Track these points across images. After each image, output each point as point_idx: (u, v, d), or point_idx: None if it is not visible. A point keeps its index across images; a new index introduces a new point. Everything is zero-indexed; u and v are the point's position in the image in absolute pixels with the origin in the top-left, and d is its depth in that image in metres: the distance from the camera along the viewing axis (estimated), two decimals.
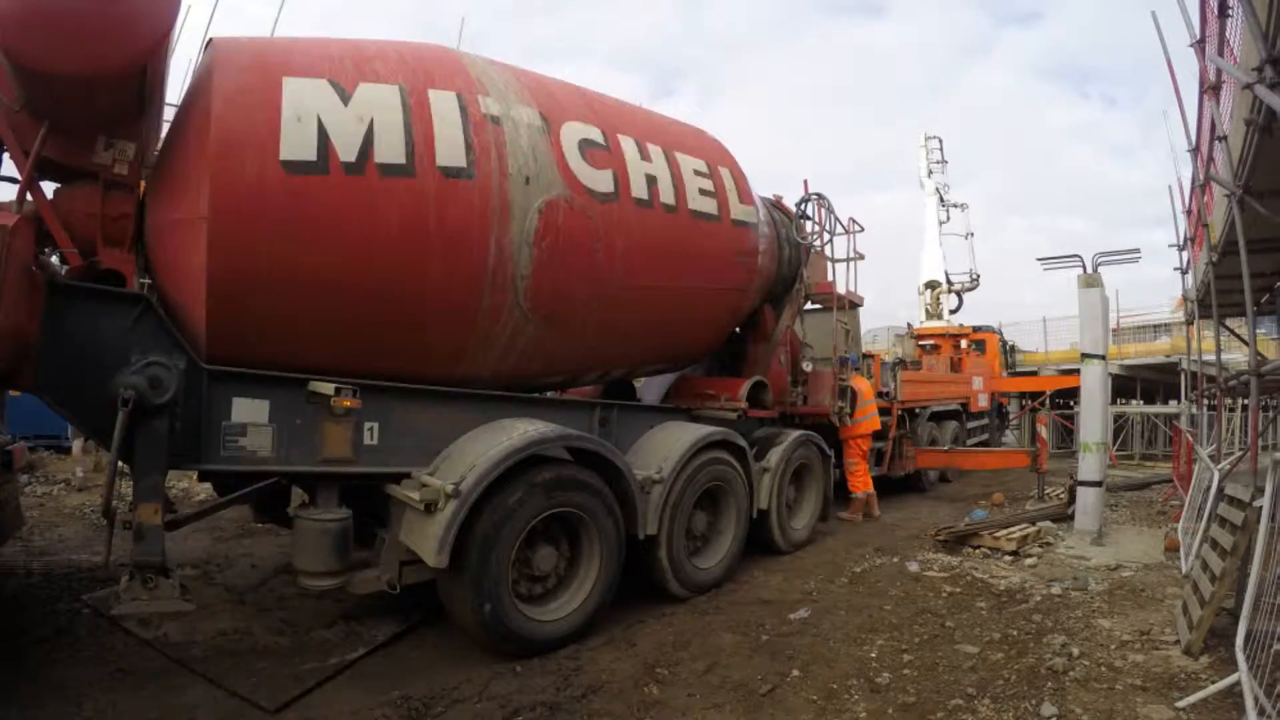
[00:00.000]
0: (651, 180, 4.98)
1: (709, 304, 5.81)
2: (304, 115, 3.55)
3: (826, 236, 7.16)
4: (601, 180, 4.65)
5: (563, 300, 4.57)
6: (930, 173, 19.23)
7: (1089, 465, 7.17)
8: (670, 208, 5.10)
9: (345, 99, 3.70)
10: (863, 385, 8.21)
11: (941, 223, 18.83)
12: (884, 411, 8.86)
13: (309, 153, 3.54)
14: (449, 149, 3.95)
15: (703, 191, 5.41)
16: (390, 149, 3.75)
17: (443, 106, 4.00)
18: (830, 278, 7.56)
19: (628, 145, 4.91)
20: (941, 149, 19.47)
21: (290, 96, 3.56)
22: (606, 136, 4.79)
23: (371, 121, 3.72)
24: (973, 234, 19.39)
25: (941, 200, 19.08)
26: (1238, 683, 3.13)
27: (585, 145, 4.61)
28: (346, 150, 3.63)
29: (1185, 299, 10.30)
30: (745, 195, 5.90)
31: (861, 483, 8.19)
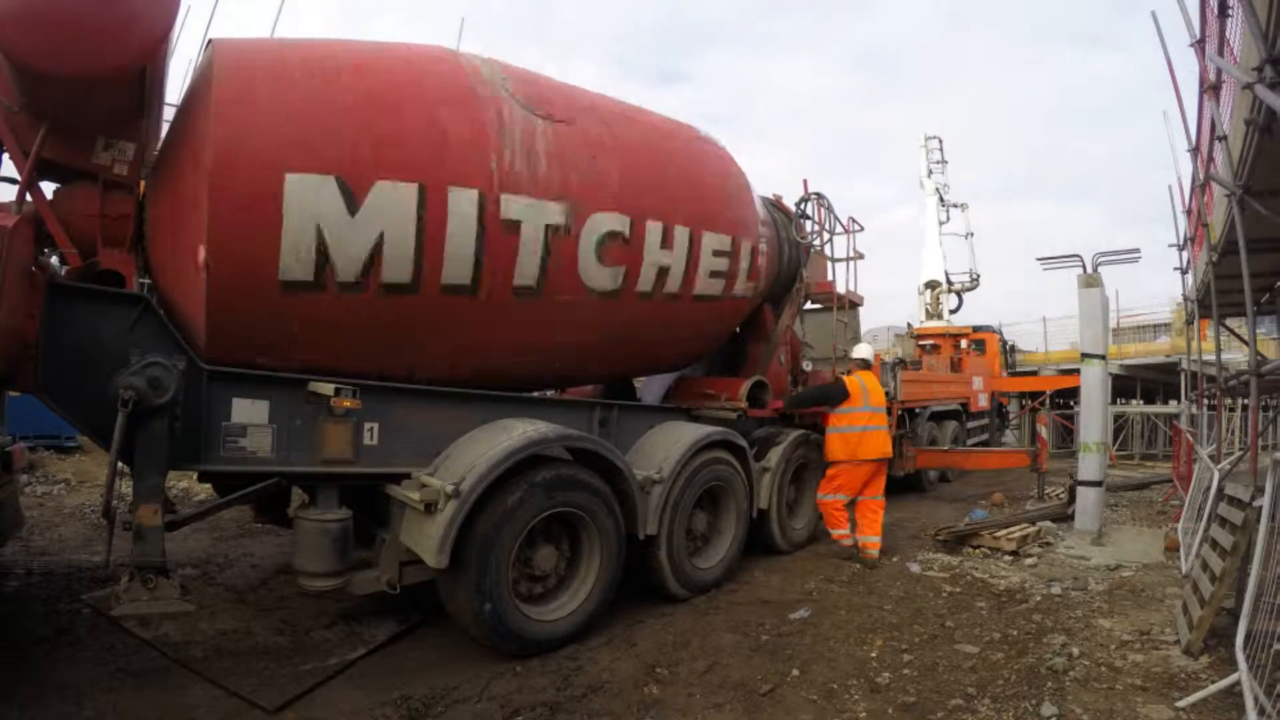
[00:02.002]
0: (662, 272, 4.98)
1: (694, 342, 5.97)
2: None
3: (826, 236, 7.16)
4: (609, 279, 4.66)
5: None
6: (930, 173, 19.20)
7: (1089, 465, 7.16)
8: (672, 295, 5.13)
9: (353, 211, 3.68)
10: (853, 387, 6.37)
11: (941, 223, 18.80)
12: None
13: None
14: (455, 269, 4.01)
15: (713, 274, 5.40)
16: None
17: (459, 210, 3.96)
18: (830, 277, 7.56)
19: (653, 233, 4.84)
20: (941, 149, 19.45)
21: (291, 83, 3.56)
22: (634, 226, 4.72)
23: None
24: (972, 234, 19.40)
25: (941, 200, 19.04)
26: (1238, 683, 3.13)
27: (606, 240, 4.57)
28: (346, 273, 3.69)
29: (1186, 300, 10.30)
30: (754, 271, 5.88)
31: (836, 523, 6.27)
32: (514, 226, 4.12)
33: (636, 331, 5.16)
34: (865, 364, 6.73)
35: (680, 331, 5.60)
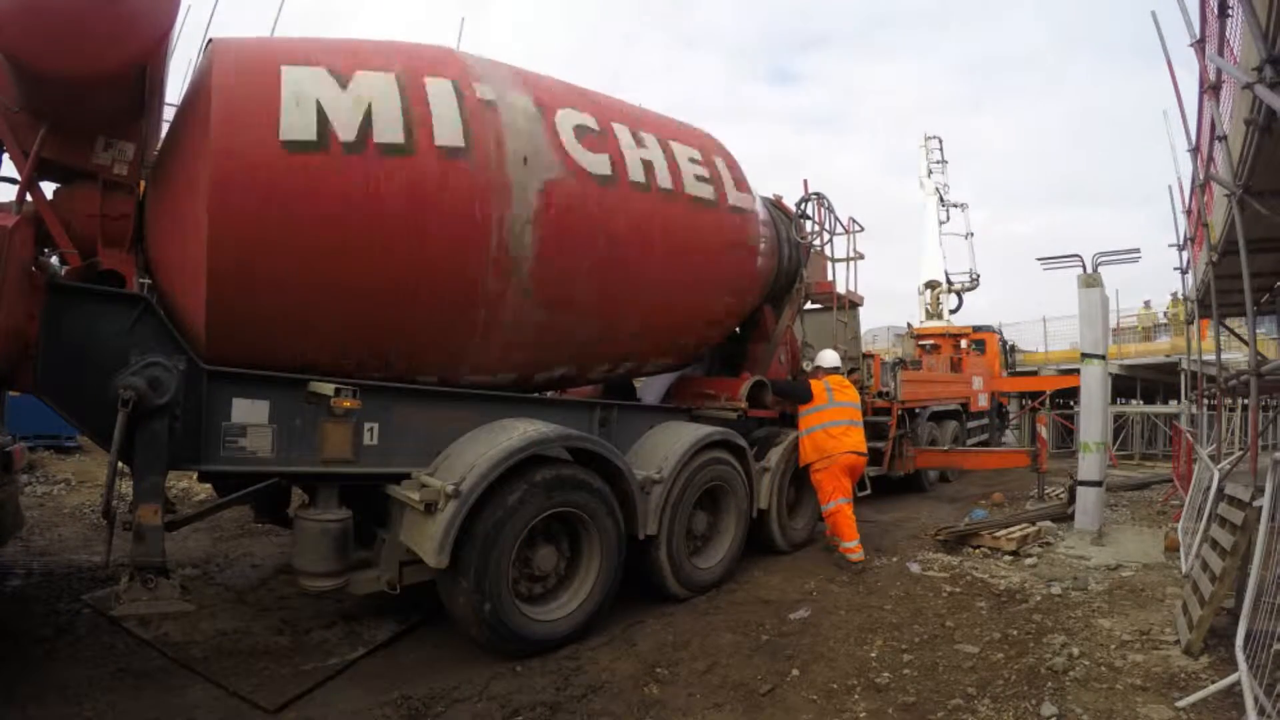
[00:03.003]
0: (648, 165, 4.96)
1: (710, 293, 5.77)
2: (303, 100, 3.55)
3: (826, 236, 7.16)
4: (599, 164, 4.62)
5: (566, 283, 4.55)
6: (930, 172, 19.23)
7: (1089, 465, 7.16)
8: (668, 191, 5.08)
9: (343, 84, 3.70)
10: (816, 388, 6.34)
11: (941, 222, 18.83)
12: (884, 411, 8.81)
13: (309, 133, 3.52)
14: (447, 129, 3.94)
15: (699, 178, 5.37)
16: (388, 129, 3.74)
17: (438, 91, 4.00)
18: (830, 277, 7.56)
19: (622, 132, 4.90)
20: (941, 149, 19.50)
21: (289, 83, 3.56)
22: (600, 123, 4.79)
23: (369, 105, 3.71)
24: (972, 234, 19.43)
25: (941, 200, 19.07)
26: (1238, 682, 3.13)
27: (580, 131, 4.61)
28: (346, 130, 3.62)
29: (1185, 299, 10.29)
30: (741, 183, 5.87)
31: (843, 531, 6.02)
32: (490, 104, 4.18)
33: (649, 241, 5.00)
34: (830, 371, 6.68)
35: (695, 263, 5.40)
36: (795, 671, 3.83)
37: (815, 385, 6.44)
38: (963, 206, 19.62)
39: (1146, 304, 22.14)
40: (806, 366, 7.46)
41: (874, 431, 8.22)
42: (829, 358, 6.81)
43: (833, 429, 6.22)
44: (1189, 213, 8.97)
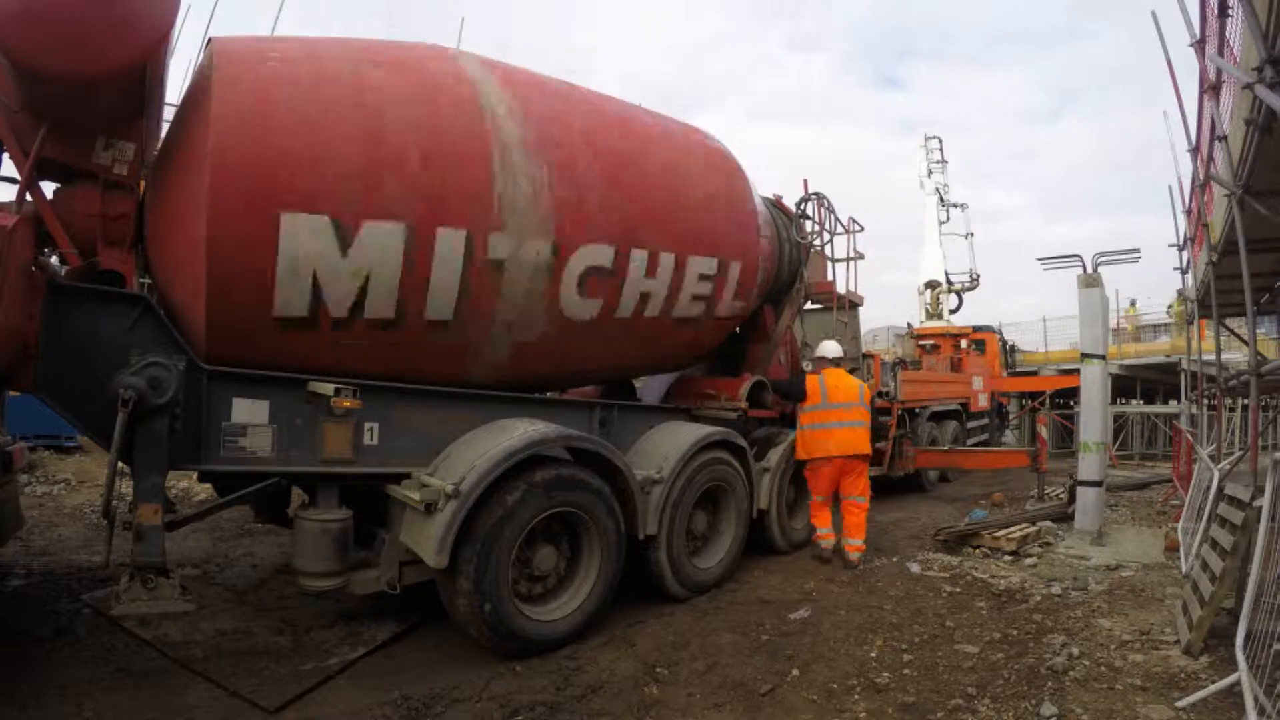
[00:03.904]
0: (645, 297, 5.00)
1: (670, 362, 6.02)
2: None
3: (826, 236, 7.16)
4: (589, 309, 4.68)
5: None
6: (930, 173, 19.19)
7: (1089, 465, 7.16)
8: (653, 319, 5.15)
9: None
10: (811, 384, 6.22)
11: (941, 222, 18.78)
12: (884, 411, 8.81)
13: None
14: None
15: (696, 298, 5.38)
16: None
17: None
18: (830, 277, 7.56)
19: (636, 261, 4.84)
20: (941, 149, 19.46)
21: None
22: (618, 255, 4.71)
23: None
24: (972, 234, 19.38)
25: (941, 200, 19.03)
26: (1237, 683, 3.12)
27: (588, 274, 4.59)
28: None
29: (1185, 297, 10.28)
30: (742, 290, 5.85)
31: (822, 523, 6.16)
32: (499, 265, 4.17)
33: (612, 352, 5.20)
34: (832, 362, 6.54)
35: (655, 351, 5.63)
36: (795, 671, 3.83)
37: (811, 383, 6.26)
38: (962, 206, 19.61)
39: (1133, 303, 22.18)
40: (807, 366, 7.46)
41: (874, 432, 8.16)
42: (829, 349, 6.64)
43: (820, 430, 6.09)
44: (1189, 213, 8.98)
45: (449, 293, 4.00)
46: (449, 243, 3.91)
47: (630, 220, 4.80)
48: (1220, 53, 4.72)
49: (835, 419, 6.11)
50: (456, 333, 4.17)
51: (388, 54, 4.11)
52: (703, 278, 5.34)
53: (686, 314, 5.37)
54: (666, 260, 5.03)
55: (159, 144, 3.83)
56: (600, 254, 4.60)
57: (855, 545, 5.97)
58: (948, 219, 19.07)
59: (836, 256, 7.55)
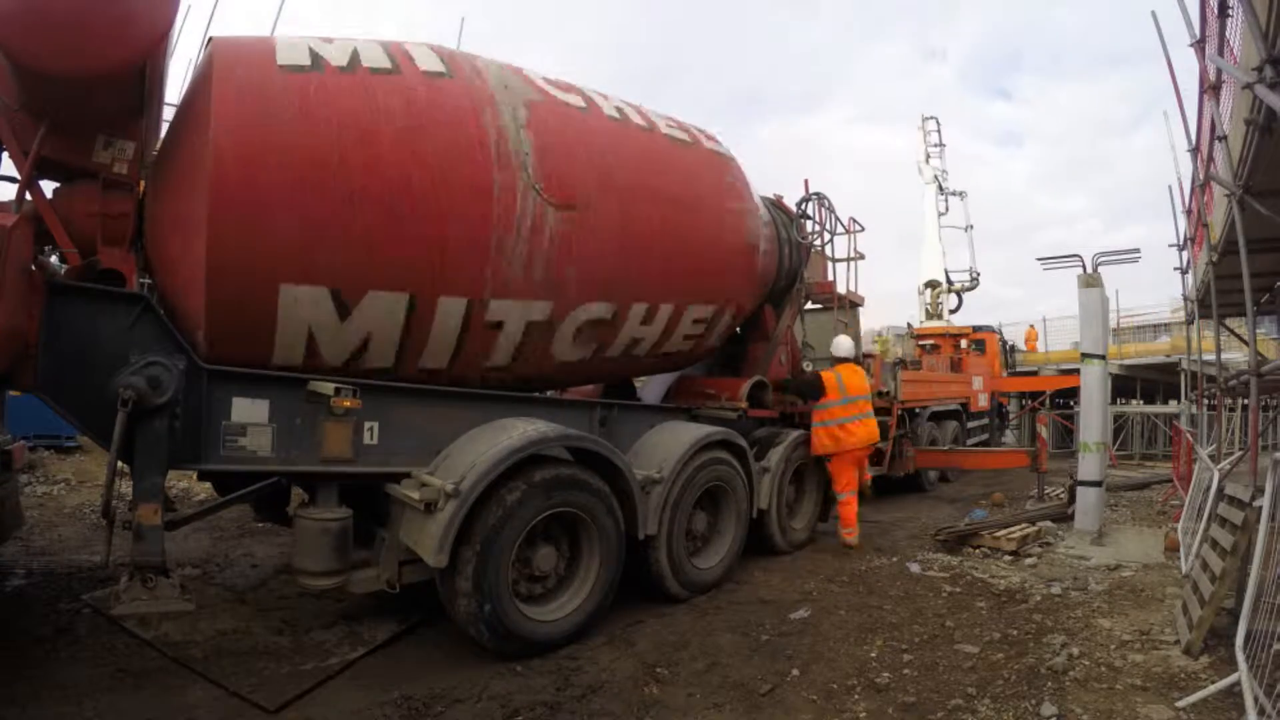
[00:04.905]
0: (635, 342, 5.16)
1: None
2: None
3: (827, 236, 7.16)
4: (580, 353, 4.89)
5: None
6: (928, 157, 18.14)
7: (1089, 465, 7.16)
8: (638, 357, 5.34)
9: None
10: (828, 380, 6.55)
11: (941, 214, 17.85)
12: (884, 411, 8.80)
13: None
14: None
15: (687, 338, 5.57)
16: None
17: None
18: (830, 277, 7.56)
19: (634, 314, 4.96)
20: (939, 131, 18.25)
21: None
22: (618, 312, 4.85)
23: None
24: (972, 226, 18.39)
25: (940, 188, 18.01)
26: (1237, 683, 3.13)
27: (584, 329, 4.72)
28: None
29: (1186, 300, 10.27)
30: (730, 327, 6.04)
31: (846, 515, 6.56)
32: (498, 325, 4.29)
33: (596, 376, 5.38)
34: (845, 359, 6.87)
35: (639, 368, 5.90)
36: (795, 671, 3.83)
37: (827, 378, 6.59)
38: (961, 195, 18.43)
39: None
40: (807, 366, 7.46)
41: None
42: (843, 345, 6.94)
43: (847, 424, 6.49)
44: (1189, 213, 8.98)
45: None
46: None
47: (631, 264, 4.89)
48: (1220, 53, 4.72)
49: (856, 412, 6.57)
50: None
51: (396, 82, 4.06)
52: (696, 322, 5.51)
53: (675, 350, 5.56)
54: (664, 310, 5.20)
55: (159, 143, 3.83)
56: (596, 310, 4.75)
57: (868, 474, 6.99)
58: (947, 210, 18.08)
59: (837, 256, 7.54)
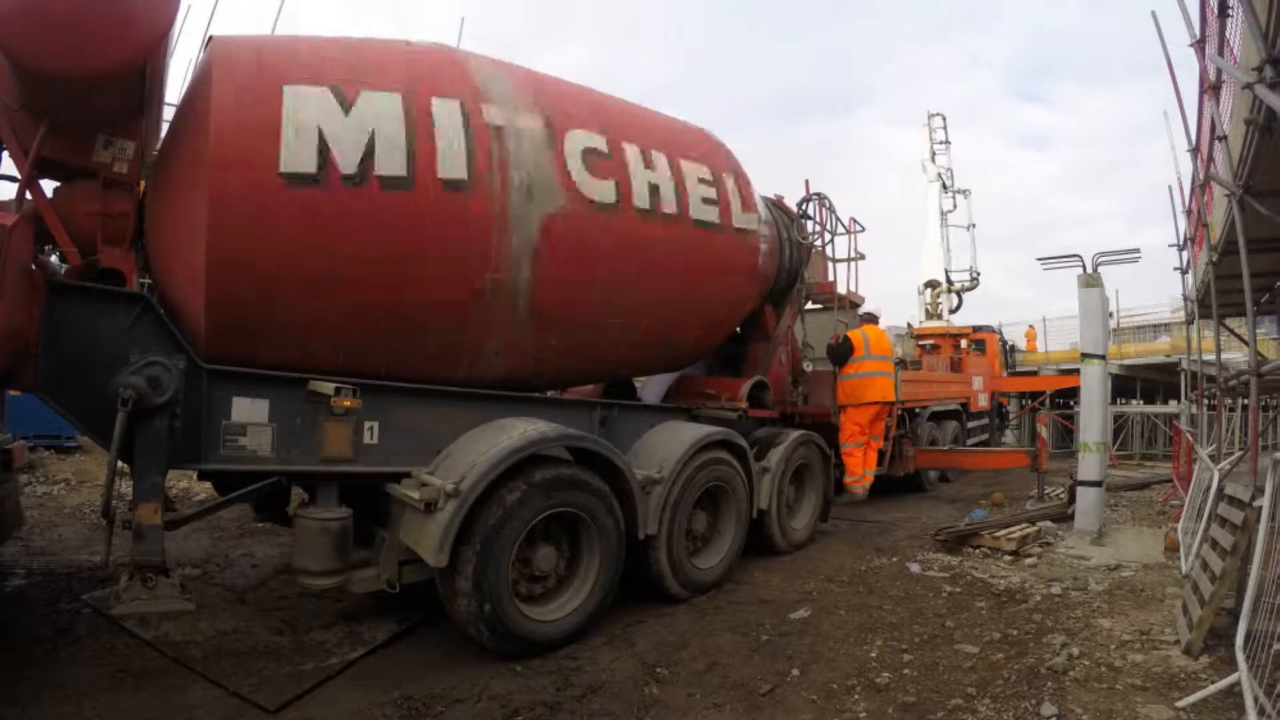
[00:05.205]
0: (654, 189, 4.98)
1: (709, 309, 5.85)
2: (303, 127, 3.55)
3: (828, 236, 7.16)
4: (603, 190, 4.65)
5: (562, 308, 4.61)
6: (934, 155, 17.84)
7: (1089, 465, 7.16)
8: (673, 216, 5.10)
9: (347, 108, 3.69)
10: (855, 338, 7.13)
11: (945, 212, 17.59)
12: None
13: (309, 164, 3.53)
14: (451, 161, 3.96)
15: (705, 200, 5.42)
16: (392, 161, 3.75)
17: (445, 115, 3.99)
18: (831, 277, 7.56)
19: (631, 153, 4.90)
20: (945, 128, 17.89)
21: (290, 104, 3.55)
22: (610, 144, 4.79)
23: (373, 132, 3.71)
24: (974, 225, 18.12)
25: (945, 187, 17.74)
26: (1238, 683, 3.13)
27: (588, 155, 4.63)
28: (347, 162, 3.63)
29: (1186, 300, 10.26)
30: (748, 203, 5.89)
31: (857, 466, 7.13)
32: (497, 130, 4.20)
33: (649, 264, 5.04)
34: (870, 318, 7.58)
35: (694, 283, 5.49)
36: (795, 671, 3.83)
37: (855, 337, 7.17)
38: (965, 193, 18.09)
39: None
40: (807, 367, 7.47)
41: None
42: (868, 307, 7.76)
43: (866, 379, 7.05)
44: (1189, 213, 8.98)
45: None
46: None
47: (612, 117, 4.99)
48: (1220, 53, 4.72)
49: (875, 369, 7.11)
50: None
51: (390, 55, 4.10)
52: (702, 181, 5.43)
53: (704, 218, 5.38)
54: (660, 157, 5.14)
55: (159, 142, 3.83)
56: (592, 139, 4.73)
57: (869, 477, 7.27)
58: (954, 207, 17.75)
59: (837, 257, 7.55)
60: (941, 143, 18.11)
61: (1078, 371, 7.73)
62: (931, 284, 17.34)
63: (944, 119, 18.06)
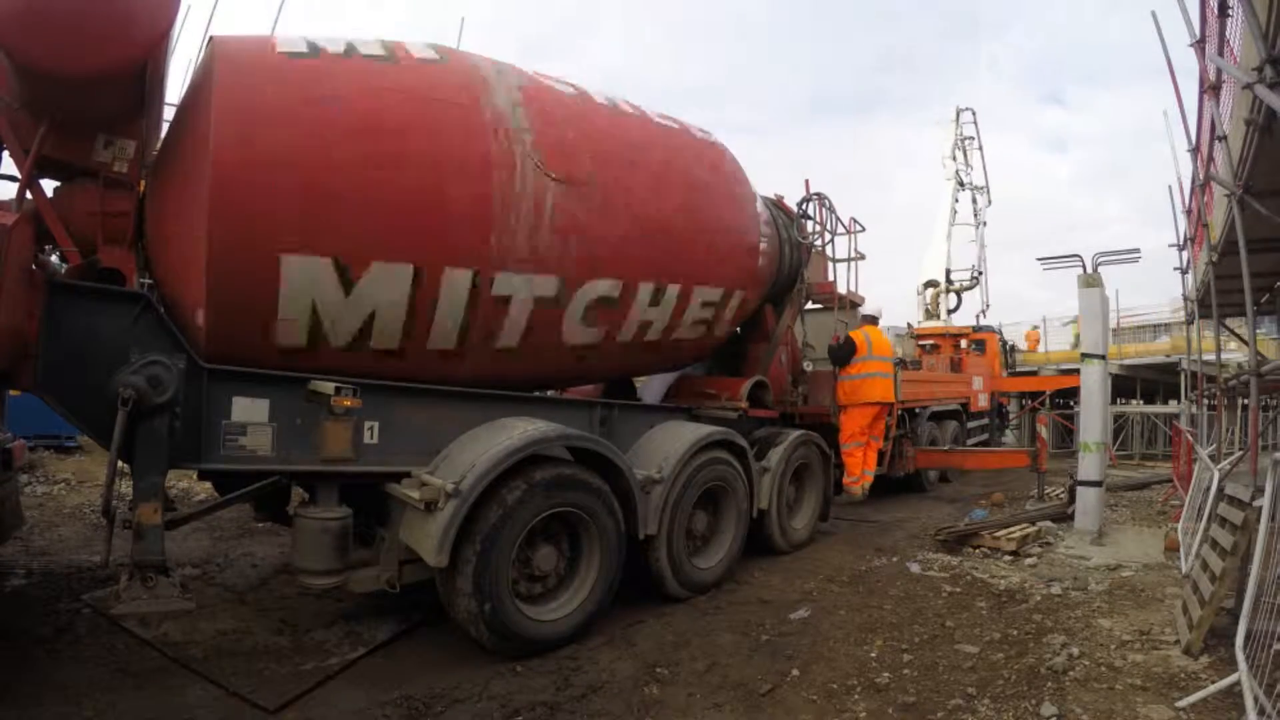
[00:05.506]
0: (645, 326, 5.17)
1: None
2: None
3: (828, 236, 7.16)
4: (591, 336, 4.88)
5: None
6: (955, 153, 17.34)
7: (1089, 465, 7.16)
8: (652, 343, 5.34)
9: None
10: (858, 338, 7.12)
11: (956, 210, 17.09)
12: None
13: None
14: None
15: (697, 322, 5.57)
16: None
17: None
18: (831, 277, 7.56)
19: (643, 294, 4.99)
20: (976, 124, 17.15)
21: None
22: (625, 289, 4.85)
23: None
24: (985, 223, 17.77)
25: (961, 184, 17.28)
26: (1237, 683, 3.13)
27: (593, 305, 4.73)
28: None
29: (1187, 300, 10.26)
30: (739, 315, 6.05)
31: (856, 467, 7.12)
32: (505, 301, 4.28)
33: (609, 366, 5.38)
34: (872, 320, 7.59)
35: (652, 360, 5.87)
36: (795, 671, 3.83)
37: (857, 337, 7.16)
38: (983, 189, 17.66)
39: None
40: (807, 366, 7.48)
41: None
42: (870, 307, 7.74)
43: (866, 379, 7.04)
44: (1189, 213, 8.98)
45: None
46: None
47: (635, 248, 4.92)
48: (1220, 53, 4.72)
49: (875, 369, 7.10)
50: None
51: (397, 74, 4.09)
52: (705, 304, 5.55)
53: (686, 337, 5.58)
54: (672, 292, 5.21)
55: (159, 142, 3.83)
56: (606, 288, 4.76)
57: (869, 477, 7.25)
58: (975, 204, 17.24)
59: (837, 257, 7.55)
60: (969, 138, 17.49)
61: (1078, 371, 7.73)
62: (931, 284, 17.26)
63: (974, 114, 17.48)
